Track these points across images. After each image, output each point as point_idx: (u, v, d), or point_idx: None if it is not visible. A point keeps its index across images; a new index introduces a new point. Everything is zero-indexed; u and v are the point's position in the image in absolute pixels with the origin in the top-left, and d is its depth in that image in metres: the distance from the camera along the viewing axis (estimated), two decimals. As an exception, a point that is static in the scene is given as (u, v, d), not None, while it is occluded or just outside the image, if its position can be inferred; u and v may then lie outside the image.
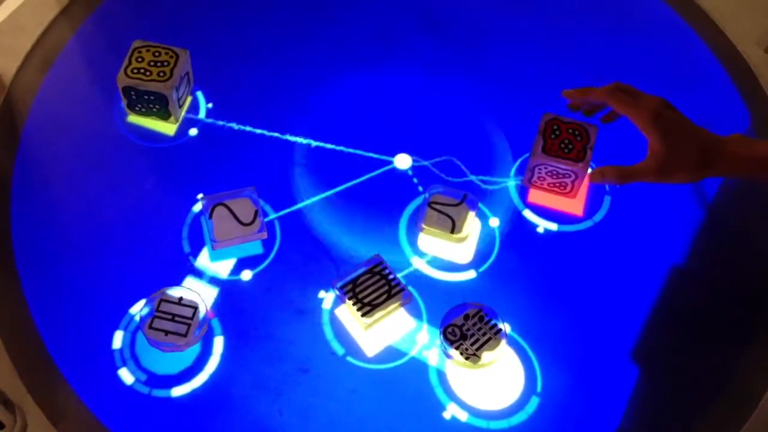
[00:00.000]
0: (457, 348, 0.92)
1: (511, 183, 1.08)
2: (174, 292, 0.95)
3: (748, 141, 0.85)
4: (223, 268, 1.00)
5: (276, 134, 1.11)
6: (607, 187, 1.08)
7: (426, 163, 1.09)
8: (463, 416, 0.91)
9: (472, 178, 1.08)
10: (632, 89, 0.89)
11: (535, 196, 1.06)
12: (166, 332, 0.92)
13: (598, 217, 1.06)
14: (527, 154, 0.99)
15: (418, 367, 0.94)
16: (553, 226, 1.05)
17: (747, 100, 1.18)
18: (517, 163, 1.09)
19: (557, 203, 1.06)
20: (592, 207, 1.06)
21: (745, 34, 1.23)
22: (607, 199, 1.07)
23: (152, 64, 1.05)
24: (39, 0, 1.21)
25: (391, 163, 1.09)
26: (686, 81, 1.20)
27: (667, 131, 0.84)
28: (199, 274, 0.99)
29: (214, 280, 0.99)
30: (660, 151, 0.84)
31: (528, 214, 1.05)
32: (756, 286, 1.03)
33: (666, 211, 1.07)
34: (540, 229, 1.04)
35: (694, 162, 0.84)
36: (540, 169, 0.99)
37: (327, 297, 0.98)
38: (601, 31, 1.25)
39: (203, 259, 1.00)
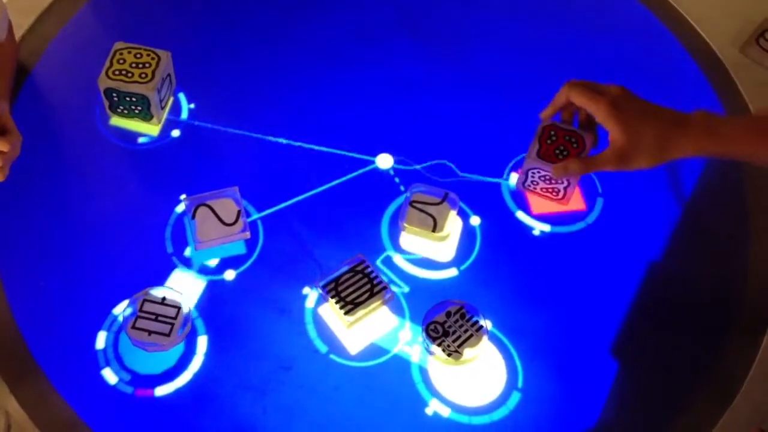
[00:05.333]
0: (439, 345, 0.93)
1: (488, 180, 1.09)
2: (157, 292, 0.95)
3: (712, 121, 0.85)
4: (206, 268, 1.00)
5: (258, 135, 1.12)
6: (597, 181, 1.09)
7: (408, 166, 1.10)
8: (445, 412, 0.92)
9: (456, 169, 1.09)
10: (591, 83, 0.88)
11: (539, 206, 1.07)
12: (150, 332, 0.92)
13: (581, 214, 1.07)
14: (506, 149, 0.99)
15: (401, 364, 0.95)
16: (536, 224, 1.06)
17: (723, 99, 1.19)
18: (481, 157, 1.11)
19: (560, 209, 1.06)
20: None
21: (721, 35, 1.25)
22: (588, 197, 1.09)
23: (134, 65, 1.05)
24: (18, 3, 1.20)
25: (372, 162, 1.10)
26: (663, 81, 1.21)
27: (623, 122, 0.84)
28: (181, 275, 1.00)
29: (197, 281, 0.99)
30: (618, 141, 0.84)
31: (508, 212, 1.07)
32: (731, 282, 1.05)
33: (644, 209, 1.08)
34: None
35: (651, 149, 0.84)
36: (533, 173, 0.98)
37: (310, 294, 0.99)
38: (579, 32, 1.27)
39: (186, 259, 1.01)
